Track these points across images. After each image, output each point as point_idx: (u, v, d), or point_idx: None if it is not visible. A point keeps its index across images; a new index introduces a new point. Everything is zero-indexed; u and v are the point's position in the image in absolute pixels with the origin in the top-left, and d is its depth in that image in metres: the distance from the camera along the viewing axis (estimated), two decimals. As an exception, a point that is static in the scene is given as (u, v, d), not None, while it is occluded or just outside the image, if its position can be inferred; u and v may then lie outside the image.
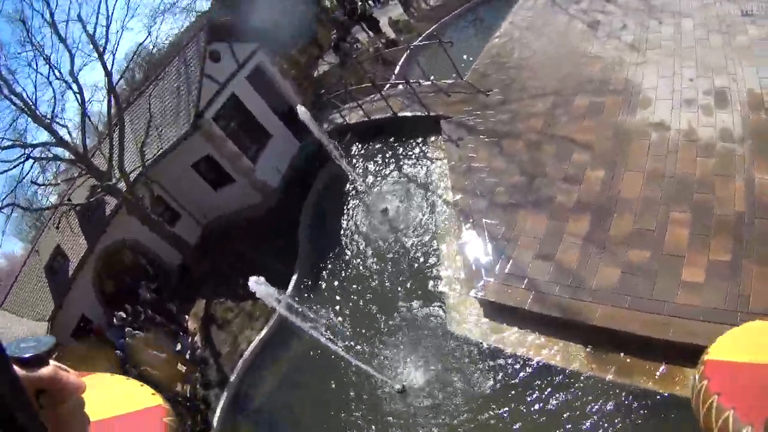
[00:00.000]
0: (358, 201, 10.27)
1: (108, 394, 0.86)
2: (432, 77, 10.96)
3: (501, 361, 5.76)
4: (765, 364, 0.80)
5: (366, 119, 11.64)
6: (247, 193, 12.66)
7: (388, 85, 12.37)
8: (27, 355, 0.53)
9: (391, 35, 15.66)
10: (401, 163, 10.18)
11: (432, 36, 12.87)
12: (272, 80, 14.07)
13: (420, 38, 13.72)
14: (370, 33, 16.60)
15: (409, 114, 10.53)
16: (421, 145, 10.04)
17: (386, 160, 10.56)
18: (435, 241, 7.95)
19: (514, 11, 11.83)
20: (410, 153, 10.18)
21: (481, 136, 8.52)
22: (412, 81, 10.69)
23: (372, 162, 10.88)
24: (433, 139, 9.69)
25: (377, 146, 11.06)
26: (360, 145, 11.56)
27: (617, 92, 7.49)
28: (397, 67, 13.69)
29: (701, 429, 0.83)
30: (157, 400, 0.86)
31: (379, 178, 10.39)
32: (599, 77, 8.00)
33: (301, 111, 9.67)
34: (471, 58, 11.50)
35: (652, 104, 6.92)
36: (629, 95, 7.29)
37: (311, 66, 18.72)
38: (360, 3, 18.10)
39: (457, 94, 9.96)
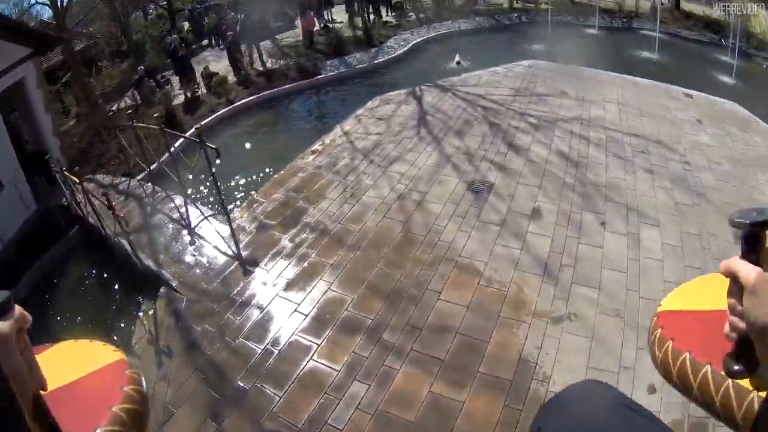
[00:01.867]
0: None
1: (68, 360, 0.84)
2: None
3: None
4: (712, 311, 0.81)
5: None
6: None
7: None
8: None
9: (202, 90, 11.68)
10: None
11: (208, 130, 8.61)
12: (31, 108, 9.06)
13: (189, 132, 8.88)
14: (181, 79, 12.33)
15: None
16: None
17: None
18: None
19: (361, 112, 8.25)
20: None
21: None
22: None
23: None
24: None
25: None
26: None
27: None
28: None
29: (661, 373, 0.85)
30: (119, 355, 0.84)
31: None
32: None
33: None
34: (255, 178, 7.75)
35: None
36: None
37: (112, 98, 13.74)
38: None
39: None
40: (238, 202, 6.98)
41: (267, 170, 7.64)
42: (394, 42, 12.79)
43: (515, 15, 15.66)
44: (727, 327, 0.60)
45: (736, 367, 0.61)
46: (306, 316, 3.95)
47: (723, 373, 0.63)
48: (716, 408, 0.72)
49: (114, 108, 13.18)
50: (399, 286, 4.17)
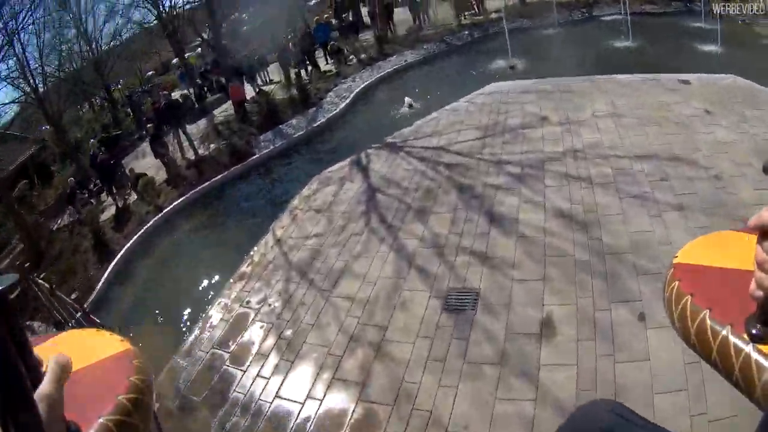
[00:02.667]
0: None
1: (76, 348, 0.84)
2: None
3: None
4: (735, 269, 0.76)
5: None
6: None
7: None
8: None
9: (133, 197, 10.11)
10: None
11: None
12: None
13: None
14: (108, 188, 10.79)
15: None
16: None
17: None
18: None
19: (297, 203, 6.72)
20: None
21: None
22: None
23: None
24: None
25: None
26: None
27: None
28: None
29: (677, 330, 0.80)
30: (126, 345, 0.83)
31: None
32: None
33: None
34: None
35: None
36: None
37: (54, 213, 12.27)
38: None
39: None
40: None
41: (190, 313, 6.03)
42: (335, 95, 11.28)
43: (466, 33, 14.25)
44: (753, 285, 0.55)
45: (754, 331, 0.58)
46: None
47: (745, 336, 0.61)
48: (735, 376, 0.65)
49: (53, 227, 11.75)
50: None
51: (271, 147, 9.89)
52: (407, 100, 9.57)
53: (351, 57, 13.60)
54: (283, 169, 9.38)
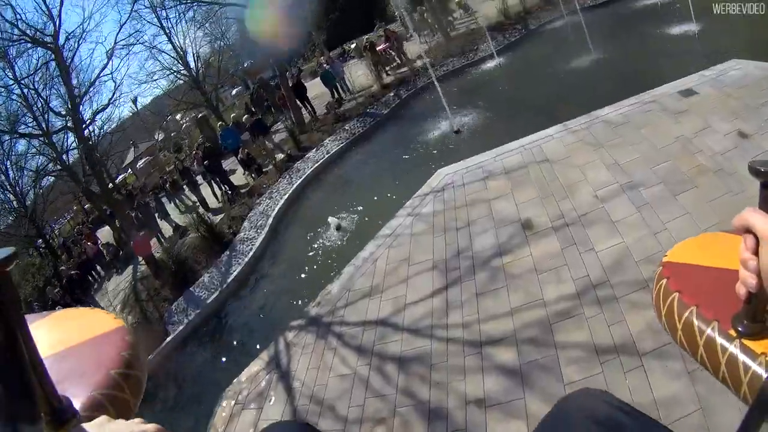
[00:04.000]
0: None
1: (70, 325, 0.85)
2: None
3: None
4: (723, 268, 0.75)
5: None
6: None
7: None
8: None
9: None
10: None
11: None
12: None
13: None
14: None
15: None
16: None
17: None
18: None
19: None
20: None
21: None
22: None
23: None
24: None
25: None
26: None
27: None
28: None
29: (663, 326, 0.78)
30: (120, 322, 0.83)
31: None
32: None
33: None
34: None
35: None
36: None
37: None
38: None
39: None
40: None
41: None
42: (249, 225, 8.65)
43: (391, 95, 11.92)
44: (738, 282, 0.56)
45: (740, 328, 0.59)
46: None
47: (731, 332, 0.61)
48: (722, 372, 0.64)
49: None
50: None
51: (185, 319, 7.23)
52: (332, 221, 6.93)
53: (267, 162, 11.20)
54: (197, 361, 6.60)
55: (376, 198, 7.18)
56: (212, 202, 12.07)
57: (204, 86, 19.30)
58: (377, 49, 13.86)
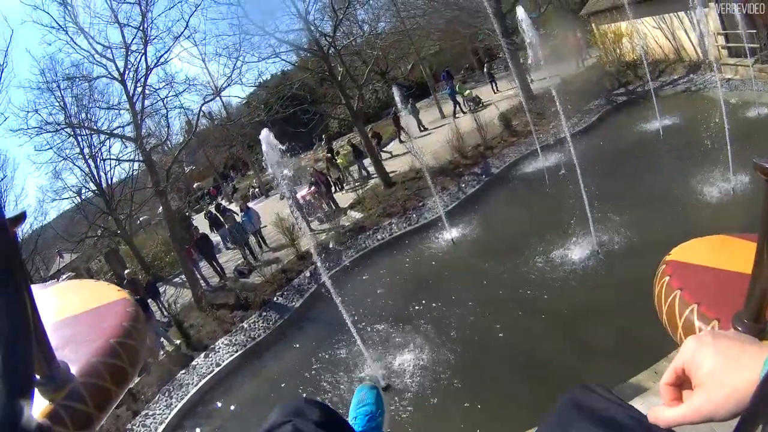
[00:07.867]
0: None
1: (77, 294, 0.87)
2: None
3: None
4: (726, 270, 0.78)
5: None
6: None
7: None
8: None
9: None
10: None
11: None
12: None
13: None
14: None
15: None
16: None
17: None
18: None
19: None
20: None
21: None
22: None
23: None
24: None
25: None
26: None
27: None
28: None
29: (664, 325, 0.80)
30: (123, 294, 0.87)
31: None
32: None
33: None
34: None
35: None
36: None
37: None
38: None
39: None
40: None
41: None
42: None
43: (307, 275, 8.50)
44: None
45: (741, 327, 0.58)
46: None
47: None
48: None
49: None
50: None
51: None
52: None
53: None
54: None
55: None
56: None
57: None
58: (298, 196, 10.76)
